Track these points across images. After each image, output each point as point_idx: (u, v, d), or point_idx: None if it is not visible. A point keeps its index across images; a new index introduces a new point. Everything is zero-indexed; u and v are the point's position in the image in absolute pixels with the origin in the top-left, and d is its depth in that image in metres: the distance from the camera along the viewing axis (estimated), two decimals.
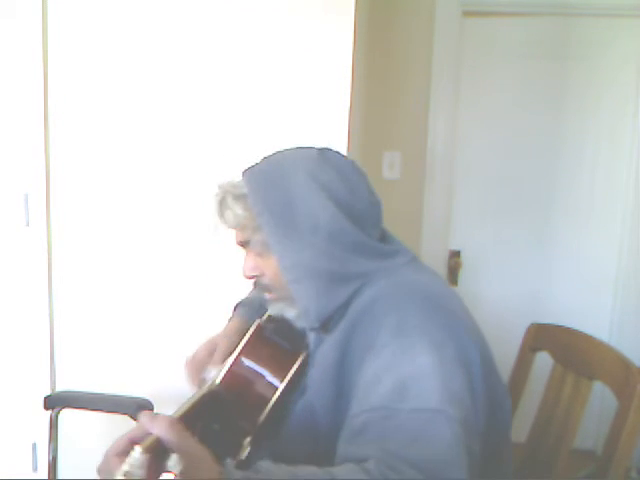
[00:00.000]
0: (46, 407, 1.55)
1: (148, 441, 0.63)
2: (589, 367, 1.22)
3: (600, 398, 1.34)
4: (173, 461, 0.62)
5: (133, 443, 0.64)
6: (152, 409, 1.49)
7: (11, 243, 1.88)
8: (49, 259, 1.88)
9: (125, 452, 0.63)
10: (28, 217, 1.85)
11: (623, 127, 2.48)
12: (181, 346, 1.63)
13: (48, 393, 1.72)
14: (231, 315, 1.28)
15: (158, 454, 0.63)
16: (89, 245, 1.87)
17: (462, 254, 2.61)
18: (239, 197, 0.97)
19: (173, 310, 1.86)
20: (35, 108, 1.81)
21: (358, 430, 0.78)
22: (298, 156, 0.99)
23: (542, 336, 1.38)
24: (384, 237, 1.03)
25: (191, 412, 0.95)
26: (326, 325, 0.96)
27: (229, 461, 0.71)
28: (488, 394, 0.86)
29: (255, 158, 1.07)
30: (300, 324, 1.02)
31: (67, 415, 1.58)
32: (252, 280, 1.05)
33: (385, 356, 0.83)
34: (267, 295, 1.05)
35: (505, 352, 1.59)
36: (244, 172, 0.99)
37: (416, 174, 2.54)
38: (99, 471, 0.68)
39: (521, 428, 1.34)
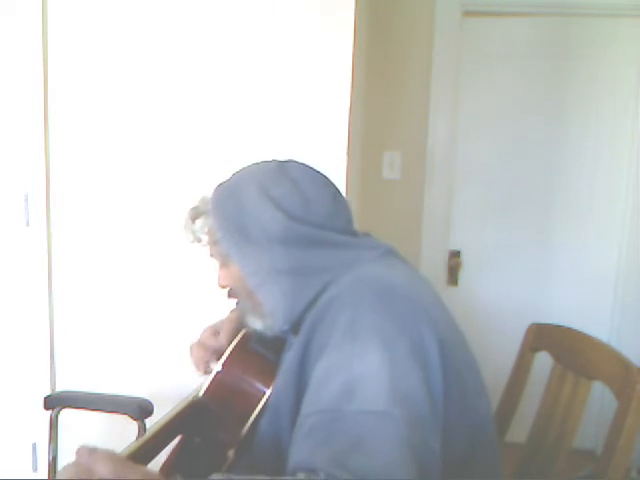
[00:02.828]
0: (46, 407, 1.55)
1: None
2: (589, 367, 1.21)
3: (600, 398, 1.34)
4: None
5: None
6: (152, 409, 1.49)
7: (11, 243, 1.88)
8: (49, 259, 1.88)
9: None
10: (28, 217, 1.85)
11: (623, 127, 2.48)
12: (181, 346, 1.63)
13: (48, 393, 1.72)
14: (233, 309, 1.29)
15: None
16: (89, 245, 1.87)
17: (462, 254, 2.61)
18: (199, 214, 1.05)
19: (173, 310, 1.86)
20: (35, 108, 1.81)
21: (306, 433, 0.78)
22: (255, 171, 1.02)
23: (542, 336, 1.38)
24: (354, 236, 1.03)
25: (170, 425, 0.95)
26: (296, 327, 0.96)
27: (179, 477, 0.71)
28: (453, 392, 0.85)
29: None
30: (270, 332, 1.02)
31: (67, 415, 1.58)
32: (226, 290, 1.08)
33: (336, 356, 0.83)
34: (238, 305, 1.08)
35: (505, 352, 1.59)
36: (214, 189, 1.05)
37: (416, 174, 2.54)
38: None
39: (521, 428, 1.34)
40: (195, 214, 1.06)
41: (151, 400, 1.51)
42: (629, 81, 2.46)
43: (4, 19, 1.79)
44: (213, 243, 1.02)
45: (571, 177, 2.54)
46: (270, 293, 0.95)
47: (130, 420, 1.46)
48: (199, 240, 1.06)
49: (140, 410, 1.47)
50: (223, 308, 1.33)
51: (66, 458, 0.81)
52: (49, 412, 1.54)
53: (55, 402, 1.56)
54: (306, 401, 0.83)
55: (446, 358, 0.85)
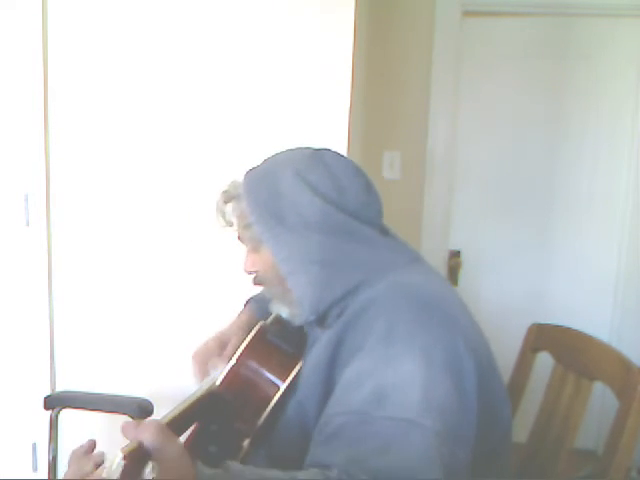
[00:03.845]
0: (46, 407, 1.55)
1: (129, 447, 0.64)
2: (590, 367, 1.22)
3: (601, 398, 1.34)
4: (148, 470, 0.63)
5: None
6: (152, 409, 1.49)
7: (11, 243, 1.87)
8: (49, 259, 1.88)
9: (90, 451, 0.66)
10: (28, 217, 1.85)
11: (623, 127, 2.48)
12: (181, 346, 1.63)
13: (48, 393, 1.72)
14: (241, 310, 1.28)
15: (137, 461, 0.63)
16: (89, 245, 1.87)
17: (462, 254, 2.61)
18: (230, 197, 1.03)
19: (173, 310, 1.86)
20: (35, 108, 1.80)
21: (332, 432, 0.79)
22: (291, 156, 1.02)
23: (543, 336, 1.38)
24: (385, 234, 1.03)
25: (188, 413, 0.95)
26: (322, 320, 0.96)
27: (199, 462, 0.71)
28: (483, 400, 0.85)
29: (255, 158, 1.07)
30: (296, 321, 1.01)
31: (67, 415, 1.58)
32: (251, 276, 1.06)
33: (370, 360, 0.83)
34: (265, 291, 1.07)
35: (505, 352, 1.59)
36: (245, 173, 1.03)
37: (416, 174, 2.53)
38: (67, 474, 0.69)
39: (522, 428, 1.34)
40: (226, 197, 1.04)
41: (151, 400, 1.51)
42: (629, 81, 2.45)
43: (4, 17, 1.79)
44: (244, 227, 1.01)
45: (571, 177, 2.54)
46: (300, 281, 0.95)
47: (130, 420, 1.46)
48: (231, 224, 1.05)
49: (140, 410, 1.47)
50: (223, 308, 1.33)
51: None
52: (49, 412, 1.54)
53: (55, 402, 1.56)
54: (334, 400, 0.83)
55: (478, 367, 0.85)
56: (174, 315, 1.86)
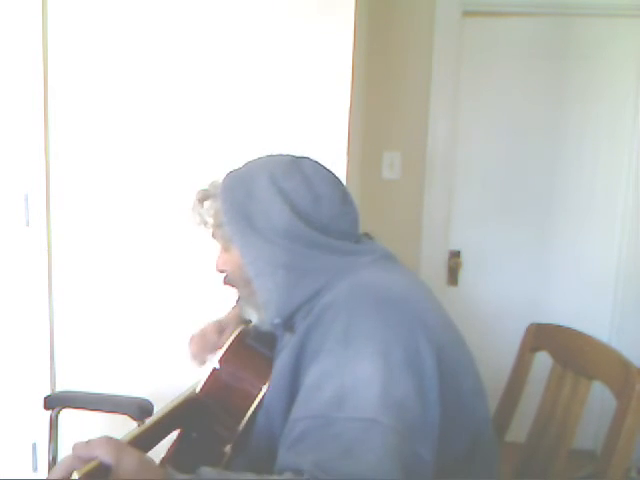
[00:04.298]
0: (46, 407, 1.55)
1: (87, 467, 0.65)
2: (588, 367, 1.22)
3: (599, 398, 1.34)
4: None
5: (72, 469, 0.67)
6: (152, 409, 1.49)
7: (11, 243, 1.88)
8: (49, 259, 1.88)
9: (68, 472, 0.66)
10: (28, 217, 1.85)
11: (623, 127, 2.48)
12: (181, 346, 1.62)
13: (48, 393, 1.72)
14: (234, 305, 1.29)
15: (97, 477, 0.64)
16: (89, 245, 1.87)
17: (462, 254, 2.61)
18: (207, 196, 1.05)
19: (173, 310, 1.86)
20: (35, 108, 1.81)
21: (296, 437, 0.79)
22: (269, 162, 1.03)
23: (541, 336, 1.38)
24: (357, 242, 1.03)
25: (166, 420, 0.95)
26: (289, 324, 0.97)
27: (169, 467, 0.72)
28: (448, 397, 0.84)
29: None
30: (264, 325, 1.02)
31: (67, 415, 1.58)
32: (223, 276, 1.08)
33: (328, 362, 0.83)
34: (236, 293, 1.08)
35: (504, 352, 1.59)
36: (226, 174, 1.05)
37: (416, 174, 2.54)
38: None
39: (520, 428, 1.34)
40: (204, 196, 1.06)
41: (151, 400, 1.51)
42: (628, 80, 2.45)
43: (4, 19, 1.79)
44: (217, 226, 1.03)
45: (571, 177, 2.54)
46: (265, 284, 0.96)
47: (130, 420, 1.46)
48: (205, 223, 1.06)
49: (140, 410, 1.47)
50: (223, 308, 1.33)
51: None
52: (49, 412, 1.54)
53: (55, 402, 1.56)
54: (297, 405, 0.84)
55: (442, 363, 0.85)
56: (174, 315, 1.86)
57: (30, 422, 1.91)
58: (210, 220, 1.05)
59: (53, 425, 1.54)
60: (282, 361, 0.95)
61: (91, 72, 1.80)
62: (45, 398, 1.57)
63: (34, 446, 1.95)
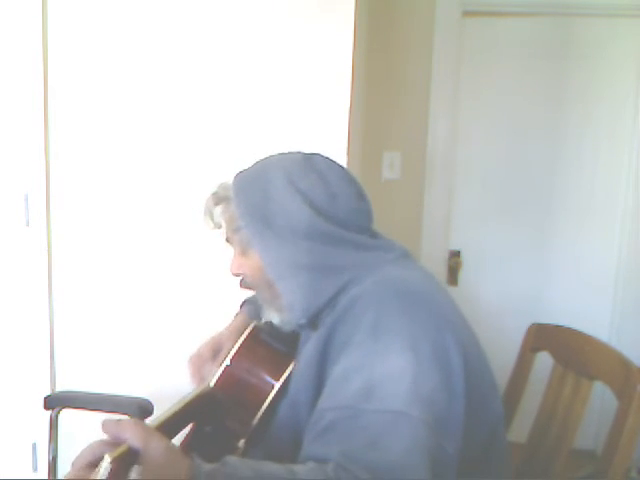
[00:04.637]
0: (46, 407, 1.54)
1: (117, 450, 0.65)
2: (589, 367, 1.22)
3: (600, 398, 1.34)
4: (136, 473, 0.64)
5: (101, 453, 0.67)
6: (152, 409, 1.48)
7: (11, 243, 1.87)
8: (49, 259, 1.88)
9: (94, 463, 0.66)
10: (28, 217, 1.85)
11: (623, 127, 2.48)
12: (181, 346, 1.62)
13: (48, 393, 1.72)
14: (237, 312, 1.29)
15: (126, 463, 0.64)
16: (89, 245, 1.87)
17: (462, 254, 2.61)
18: (220, 199, 1.02)
19: (173, 310, 1.86)
20: (35, 108, 1.81)
21: (324, 428, 0.79)
22: (282, 161, 1.02)
23: (542, 336, 1.38)
24: (373, 237, 1.03)
25: (181, 414, 0.95)
26: (314, 322, 0.97)
27: (196, 455, 0.72)
28: (471, 395, 0.85)
29: (256, 158, 1.07)
30: (287, 328, 1.01)
31: (67, 415, 1.58)
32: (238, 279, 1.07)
33: (358, 354, 0.83)
34: (256, 295, 1.07)
35: (505, 352, 1.59)
36: (235, 176, 1.03)
37: (416, 174, 2.53)
38: None
39: (521, 428, 1.34)
40: (216, 200, 1.04)
41: (151, 400, 1.51)
42: (628, 80, 2.45)
43: (4, 20, 1.79)
44: (233, 230, 1.01)
45: (571, 177, 2.54)
46: (289, 286, 0.95)
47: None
48: (220, 226, 1.05)
49: (140, 410, 1.47)
50: (223, 308, 1.33)
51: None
52: (49, 412, 1.54)
53: (55, 402, 1.56)
54: (325, 395, 0.84)
55: (466, 361, 0.86)
56: (174, 315, 1.86)
57: (30, 422, 1.91)
58: (224, 224, 1.03)
59: (53, 425, 1.54)
60: (308, 353, 0.95)
61: (91, 72, 1.80)
62: (45, 398, 1.56)
63: (34, 446, 1.95)
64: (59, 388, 1.91)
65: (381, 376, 0.80)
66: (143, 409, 1.48)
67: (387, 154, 2.53)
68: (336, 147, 1.74)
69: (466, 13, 2.45)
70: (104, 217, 1.86)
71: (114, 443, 0.68)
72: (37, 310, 1.89)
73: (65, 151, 1.84)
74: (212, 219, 1.05)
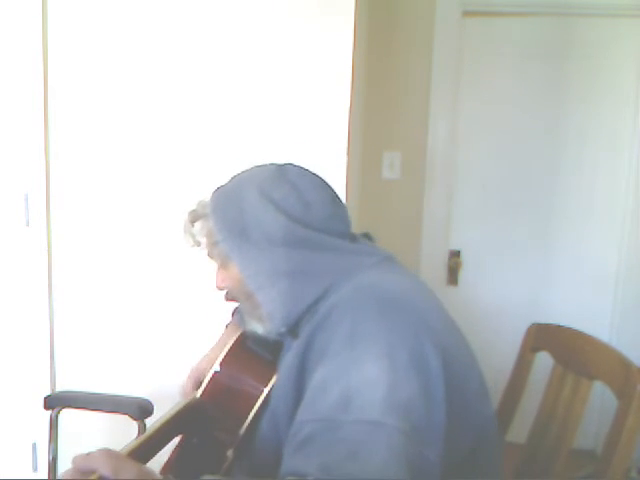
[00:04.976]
0: (46, 407, 1.55)
1: (91, 478, 0.67)
2: (589, 367, 1.22)
3: (600, 398, 1.34)
4: None
5: None
6: (152, 409, 1.49)
7: (11, 243, 1.88)
8: (49, 259, 1.88)
9: None
10: (28, 217, 1.85)
11: (623, 127, 2.48)
12: (181, 346, 1.63)
13: (48, 393, 1.72)
14: (229, 322, 1.29)
15: None
16: (89, 245, 1.87)
17: (462, 254, 2.61)
18: (198, 216, 1.05)
19: (173, 310, 1.86)
20: (35, 108, 1.81)
21: (302, 441, 0.79)
22: (255, 174, 1.03)
23: (542, 336, 1.38)
24: (354, 242, 1.03)
25: (165, 429, 0.95)
26: (294, 331, 0.97)
27: (170, 477, 0.73)
28: (453, 399, 0.84)
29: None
30: (270, 336, 1.02)
31: (67, 415, 1.58)
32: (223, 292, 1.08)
33: (334, 364, 0.83)
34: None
35: (505, 352, 1.59)
36: (213, 192, 1.05)
37: (416, 174, 2.54)
38: None
39: (521, 428, 1.34)
40: (194, 217, 1.06)
41: (151, 400, 1.51)
42: (629, 81, 2.45)
43: (4, 20, 1.79)
44: (212, 245, 1.03)
45: (571, 177, 2.54)
46: (269, 295, 0.96)
47: (130, 420, 1.46)
48: (199, 244, 1.07)
49: (140, 410, 1.47)
50: (222, 308, 1.33)
51: (66, 458, 0.82)
52: (49, 412, 1.54)
53: (55, 402, 1.56)
54: (303, 407, 0.83)
55: (447, 365, 0.85)
56: (174, 315, 1.86)
57: (30, 422, 1.91)
58: (204, 240, 1.05)
59: (53, 425, 1.54)
60: (287, 363, 0.95)
61: (91, 72, 1.80)
62: (45, 398, 1.57)
63: (34, 446, 1.95)
64: (59, 388, 1.91)
65: (357, 385, 0.79)
66: (143, 409, 1.48)
67: (387, 154, 2.53)
68: (336, 147, 1.74)
69: (466, 13, 2.45)
70: (104, 217, 1.86)
71: (87, 474, 0.69)
72: (37, 310, 1.89)
73: (65, 151, 1.84)
74: (192, 237, 1.07)
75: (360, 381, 0.79)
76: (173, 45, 1.77)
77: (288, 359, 0.95)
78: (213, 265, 1.08)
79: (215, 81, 1.77)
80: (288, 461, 0.79)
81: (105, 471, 0.67)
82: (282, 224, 0.95)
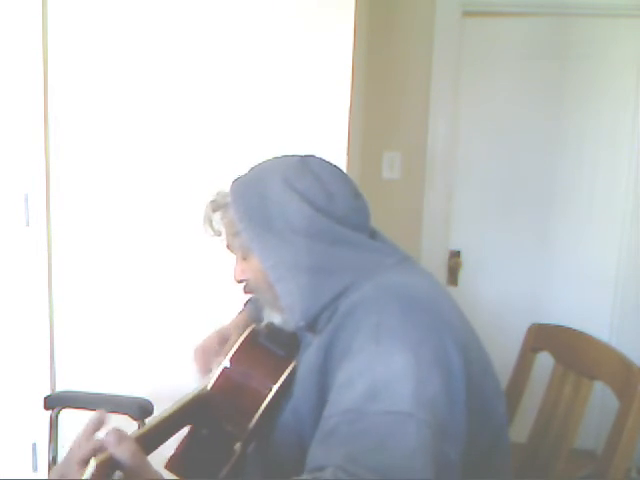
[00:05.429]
0: (46, 407, 1.55)
1: (101, 457, 0.67)
2: (590, 367, 1.22)
3: (601, 398, 1.34)
4: (117, 477, 0.67)
5: (95, 453, 0.69)
6: (152, 409, 1.49)
7: (11, 243, 1.87)
8: (49, 259, 1.88)
9: (86, 461, 0.68)
10: (28, 217, 1.85)
11: (623, 127, 2.48)
12: (181, 346, 1.62)
13: (48, 393, 1.72)
14: (241, 310, 1.29)
15: (108, 469, 0.67)
16: (89, 245, 1.87)
17: (462, 254, 2.61)
18: (218, 206, 1.04)
19: (173, 310, 1.86)
20: (35, 108, 1.81)
21: (327, 433, 0.78)
22: (278, 164, 1.02)
23: (543, 336, 1.38)
24: (374, 237, 1.03)
25: (176, 417, 0.95)
26: (313, 325, 0.96)
27: None
28: (473, 399, 0.85)
29: (256, 158, 1.07)
30: (288, 327, 1.02)
31: (67, 415, 1.58)
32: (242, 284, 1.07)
33: (360, 359, 0.83)
34: (258, 298, 1.08)
35: (505, 352, 1.59)
36: (232, 182, 1.04)
37: (416, 174, 2.54)
38: (55, 471, 0.72)
39: (522, 428, 1.34)
40: (214, 207, 1.05)
41: (151, 400, 1.51)
42: (629, 81, 2.45)
43: (4, 20, 1.79)
44: (233, 235, 1.02)
45: (571, 177, 2.54)
46: (288, 288, 0.95)
47: (130, 420, 1.46)
48: (219, 234, 1.06)
49: (140, 410, 1.47)
50: (222, 308, 1.33)
51: None
52: (49, 412, 1.54)
53: (55, 402, 1.56)
54: (330, 403, 0.83)
55: (467, 364, 0.85)
56: (174, 315, 1.86)
57: (30, 422, 1.91)
58: (224, 230, 1.04)
59: (53, 425, 1.54)
60: (308, 361, 0.95)
61: (91, 72, 1.80)
62: (45, 398, 1.57)
63: (34, 446, 1.95)
64: (59, 388, 1.91)
65: (384, 378, 0.79)
66: (143, 409, 1.48)
67: (387, 154, 2.53)
68: (336, 147, 1.74)
69: (466, 13, 2.45)
70: (104, 217, 1.86)
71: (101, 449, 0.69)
72: (37, 310, 1.89)
73: (65, 151, 1.84)
74: (211, 226, 1.06)
75: (387, 374, 0.79)
76: (173, 45, 1.77)
77: (310, 356, 0.95)
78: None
79: (215, 81, 1.77)
80: (312, 453, 0.78)
81: (126, 464, 0.68)
82: (306, 214, 0.94)
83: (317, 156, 1.04)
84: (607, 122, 2.49)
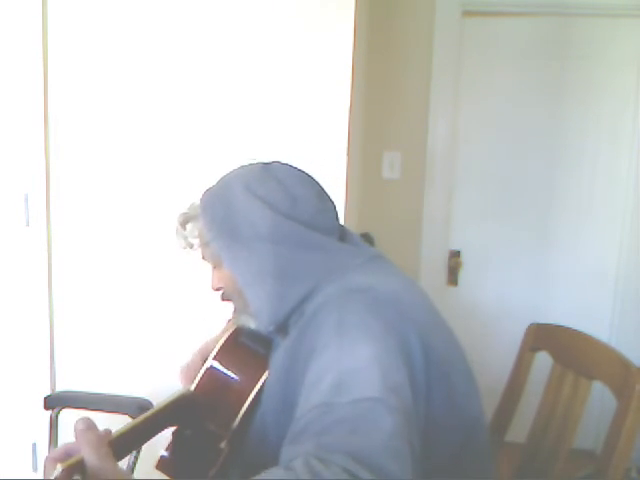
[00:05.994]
0: (46, 407, 1.55)
1: (73, 459, 0.67)
2: (589, 367, 1.22)
3: (600, 398, 1.34)
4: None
5: (68, 454, 0.69)
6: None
7: (11, 243, 1.88)
8: (49, 259, 1.88)
9: (61, 459, 0.68)
10: (28, 217, 1.85)
11: (623, 127, 2.48)
12: (181, 346, 1.62)
13: (48, 393, 1.72)
14: (229, 318, 1.29)
15: (71, 472, 0.66)
16: (89, 245, 1.87)
17: (462, 254, 2.61)
18: (189, 218, 1.07)
19: (173, 310, 1.86)
20: (35, 108, 1.81)
21: (298, 431, 0.77)
22: (241, 173, 1.04)
23: (542, 336, 1.38)
24: (344, 238, 1.04)
25: (154, 420, 0.95)
26: (283, 329, 0.97)
27: None
28: (438, 398, 0.85)
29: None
30: (261, 331, 1.03)
31: (67, 415, 1.58)
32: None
33: (325, 356, 0.83)
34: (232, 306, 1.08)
35: (505, 352, 1.59)
36: (202, 194, 1.07)
37: (416, 174, 2.54)
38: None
39: (521, 428, 1.34)
40: (185, 219, 1.08)
41: (151, 400, 1.51)
42: (629, 81, 2.45)
43: (4, 20, 1.79)
44: (204, 246, 1.04)
45: (571, 177, 2.54)
46: (256, 294, 0.97)
47: (130, 420, 1.46)
48: (191, 246, 1.09)
49: (140, 410, 1.47)
50: (221, 309, 1.33)
51: None
52: (49, 412, 1.54)
53: (55, 402, 1.56)
54: (300, 407, 0.82)
55: (431, 362, 0.85)
56: (174, 315, 1.86)
57: (30, 422, 1.91)
58: (196, 241, 1.07)
59: (53, 425, 1.54)
60: (276, 362, 0.96)
61: (91, 72, 1.80)
62: (45, 398, 1.57)
63: (34, 446, 1.95)
64: (59, 388, 1.91)
65: (350, 368, 0.79)
66: (143, 409, 1.47)
67: (387, 154, 2.53)
68: (336, 147, 1.74)
69: (466, 13, 2.46)
70: (104, 217, 1.86)
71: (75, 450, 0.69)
72: (37, 310, 1.89)
73: (65, 151, 1.84)
74: (184, 239, 1.09)
75: (353, 364, 0.79)
76: (172, 45, 1.77)
77: (278, 359, 0.96)
78: (209, 266, 1.09)
79: (215, 81, 1.77)
80: (283, 452, 0.76)
81: (87, 459, 0.67)
82: (270, 219, 0.95)
83: (281, 162, 1.05)
84: (607, 122, 2.49)
